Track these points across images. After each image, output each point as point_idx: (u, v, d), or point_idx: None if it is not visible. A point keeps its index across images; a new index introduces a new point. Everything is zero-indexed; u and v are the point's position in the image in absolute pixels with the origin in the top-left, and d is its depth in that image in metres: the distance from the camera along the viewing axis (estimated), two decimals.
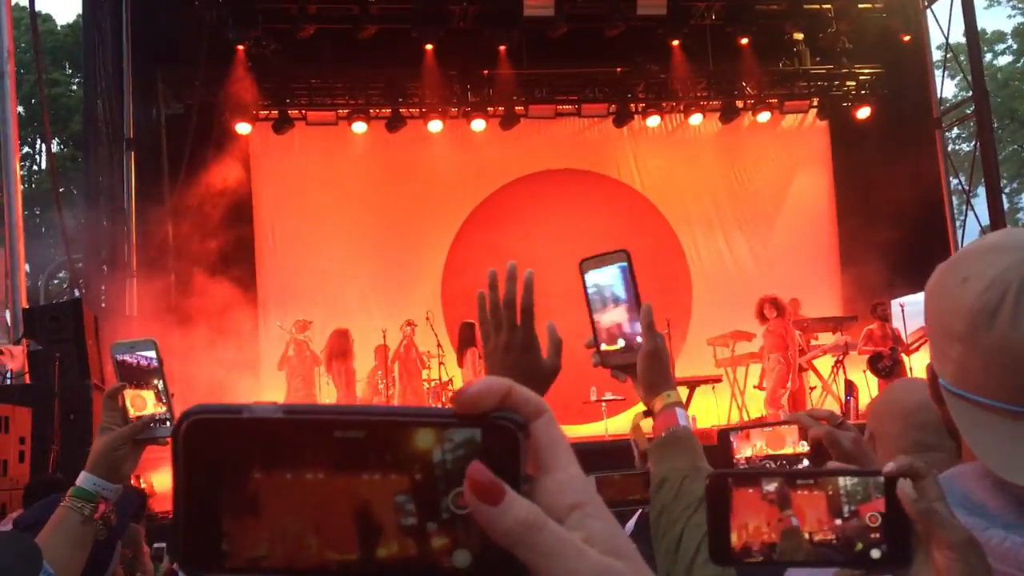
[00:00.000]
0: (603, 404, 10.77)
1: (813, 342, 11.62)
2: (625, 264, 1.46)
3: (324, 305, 11.73)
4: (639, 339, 1.47)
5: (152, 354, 1.79)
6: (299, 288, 12.27)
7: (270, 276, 12.59)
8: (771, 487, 0.94)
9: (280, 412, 0.46)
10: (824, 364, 11.64)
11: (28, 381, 8.10)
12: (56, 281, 22.23)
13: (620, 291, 1.47)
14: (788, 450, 1.87)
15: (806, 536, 0.92)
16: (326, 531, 0.45)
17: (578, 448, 0.50)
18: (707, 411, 11.63)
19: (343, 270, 12.44)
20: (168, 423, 1.79)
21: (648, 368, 1.49)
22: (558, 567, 0.45)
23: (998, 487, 1.04)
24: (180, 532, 0.46)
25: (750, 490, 0.94)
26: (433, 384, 11.20)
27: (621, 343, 1.48)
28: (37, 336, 8.20)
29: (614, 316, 1.48)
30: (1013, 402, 1.03)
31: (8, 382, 8.26)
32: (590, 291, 1.50)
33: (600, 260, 1.48)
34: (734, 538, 0.93)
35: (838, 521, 0.92)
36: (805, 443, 1.86)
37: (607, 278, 1.48)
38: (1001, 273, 1.05)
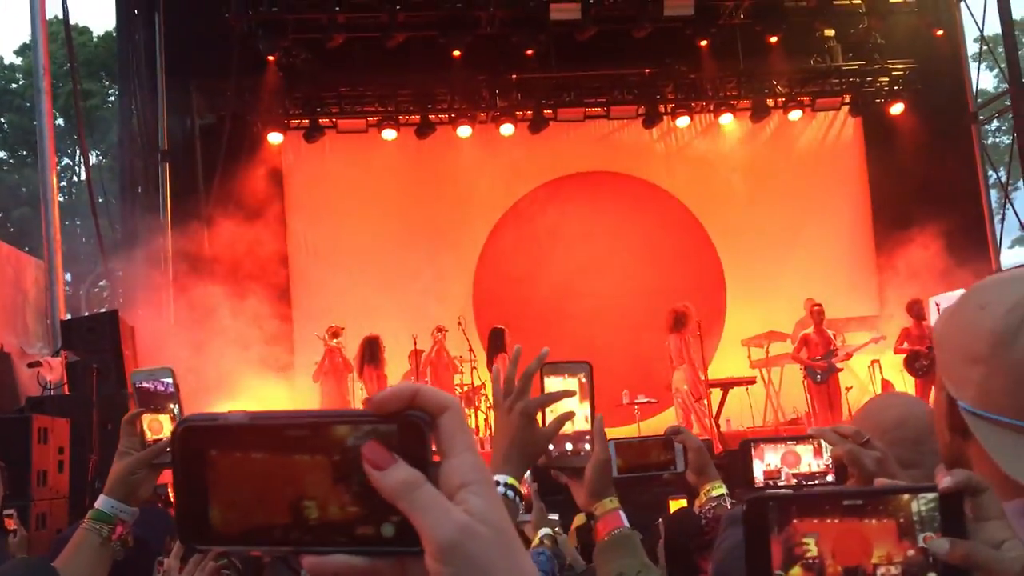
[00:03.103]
0: (636, 407, 10.74)
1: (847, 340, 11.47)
2: (586, 374, 1.57)
3: (356, 311, 11.80)
4: (587, 447, 1.58)
5: (169, 380, 1.84)
6: (331, 294, 12.36)
7: (303, 283, 12.71)
8: (823, 514, 0.83)
9: (246, 419, 0.59)
10: (860, 364, 11.50)
11: (67, 392, 8.26)
12: (97, 290, 22.59)
13: (577, 399, 1.57)
14: (804, 469, 1.83)
15: (870, 569, 0.82)
16: (266, 500, 0.58)
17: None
18: (742, 413, 11.54)
19: (375, 276, 12.51)
20: None
21: (597, 476, 1.61)
22: (428, 519, 0.55)
23: None
24: (179, 513, 0.59)
25: (797, 519, 0.83)
26: (465, 388, 11.24)
27: (568, 447, 1.59)
28: (75, 347, 8.35)
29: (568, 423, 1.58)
30: None
31: (49, 393, 8.43)
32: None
33: (561, 368, 1.58)
34: (776, 571, 0.83)
35: (910, 552, 0.82)
36: (822, 461, 1.83)
37: (566, 385, 1.58)
38: (1021, 298, 1.09)
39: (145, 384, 1.83)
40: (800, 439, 1.86)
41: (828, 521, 0.83)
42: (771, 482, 1.84)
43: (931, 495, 0.84)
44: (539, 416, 1.58)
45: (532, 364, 1.62)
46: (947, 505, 0.83)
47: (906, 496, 0.84)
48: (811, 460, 1.84)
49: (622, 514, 1.60)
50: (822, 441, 1.77)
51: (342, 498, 0.57)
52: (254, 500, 0.58)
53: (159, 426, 1.82)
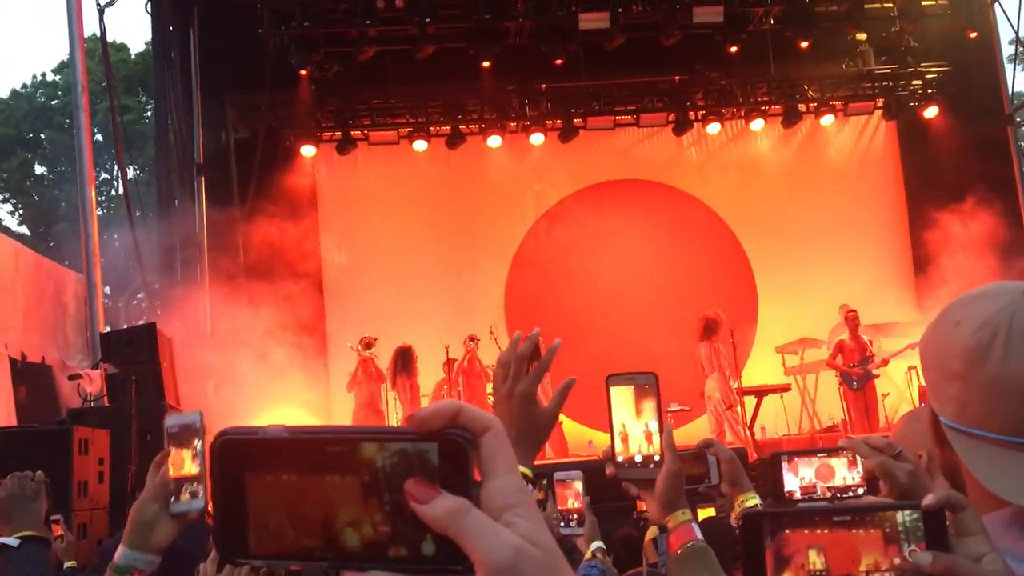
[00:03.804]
0: (669, 415, 10.70)
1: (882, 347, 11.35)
2: (652, 385, 1.55)
3: (389, 321, 11.88)
4: (657, 457, 1.56)
5: (196, 419, 1.85)
6: (364, 305, 12.45)
7: (337, 293, 12.82)
8: (814, 526, 0.89)
9: (285, 432, 0.59)
10: (897, 371, 11.37)
11: (106, 403, 8.39)
12: (135, 302, 22.93)
13: (644, 409, 1.55)
14: (839, 482, 1.82)
15: None
16: (299, 523, 0.58)
17: None
18: (777, 420, 11.46)
19: (407, 286, 12.59)
20: (201, 492, 1.81)
21: (669, 487, 1.59)
22: (481, 543, 0.55)
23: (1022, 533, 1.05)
24: (216, 527, 0.59)
25: (789, 530, 0.90)
26: None
27: (639, 459, 1.56)
28: (114, 360, 8.49)
29: (635, 432, 1.56)
30: (1013, 434, 1.08)
31: (89, 405, 8.57)
32: (614, 405, 1.57)
33: (628, 378, 1.56)
34: None
35: (896, 560, 0.88)
36: (856, 473, 1.82)
37: (632, 395, 1.56)
38: (991, 315, 1.14)
39: (173, 425, 1.85)
40: (832, 451, 1.86)
41: (818, 532, 0.89)
42: (808, 497, 1.83)
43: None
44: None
45: (545, 356, 1.60)
46: (930, 520, 0.89)
47: None
48: (845, 473, 1.83)
49: (695, 526, 1.59)
50: (856, 454, 1.76)
51: (375, 517, 0.57)
52: (291, 515, 0.57)
53: (180, 462, 1.81)
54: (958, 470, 1.18)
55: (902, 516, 0.90)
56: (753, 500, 1.92)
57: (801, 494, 1.83)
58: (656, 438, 1.56)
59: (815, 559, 0.89)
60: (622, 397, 1.56)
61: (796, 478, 1.84)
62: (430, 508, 0.55)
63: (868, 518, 0.90)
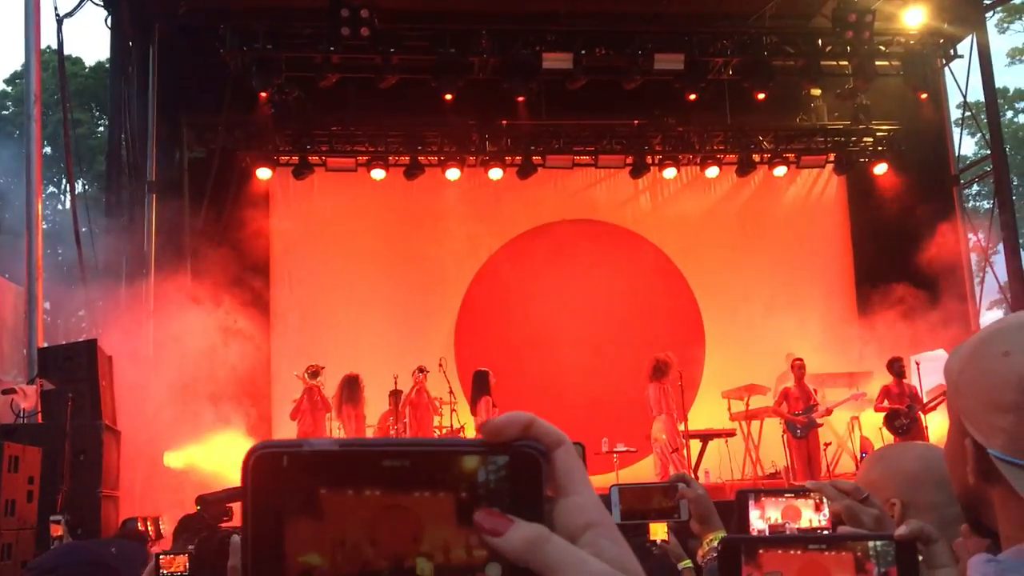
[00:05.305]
0: (615, 455, 10.68)
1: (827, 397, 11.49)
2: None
3: (337, 349, 11.72)
4: None
5: None
6: (313, 333, 12.28)
7: (285, 319, 12.62)
8: (789, 551, 0.92)
9: (335, 445, 0.52)
10: (840, 421, 11.51)
11: (40, 420, 8.12)
12: (75, 319, 22.37)
13: None
14: (805, 524, 1.81)
15: None
16: (380, 543, 0.51)
17: None
18: (721, 465, 11.50)
19: (357, 315, 12.46)
20: None
21: None
22: (564, 575, 0.50)
23: None
24: (249, 553, 0.51)
25: (763, 550, 0.92)
26: (444, 431, 11.16)
27: None
28: (51, 376, 8.24)
29: None
30: None
31: (22, 421, 8.28)
32: None
33: None
34: None
35: None
36: (823, 516, 1.81)
37: None
38: None
39: None
40: (799, 493, 1.85)
41: (792, 553, 0.92)
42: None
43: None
44: None
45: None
46: (902, 551, 0.92)
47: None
48: (812, 515, 1.83)
49: None
50: (823, 496, 1.76)
51: (455, 542, 0.51)
52: (342, 543, 0.51)
53: None
54: (986, 501, 1.16)
55: (874, 544, 0.92)
56: None
57: (770, 534, 1.81)
58: None
59: None
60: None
61: (762, 519, 1.82)
62: (506, 540, 0.50)
63: (841, 544, 0.93)
